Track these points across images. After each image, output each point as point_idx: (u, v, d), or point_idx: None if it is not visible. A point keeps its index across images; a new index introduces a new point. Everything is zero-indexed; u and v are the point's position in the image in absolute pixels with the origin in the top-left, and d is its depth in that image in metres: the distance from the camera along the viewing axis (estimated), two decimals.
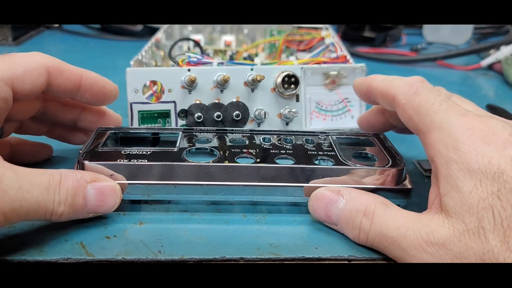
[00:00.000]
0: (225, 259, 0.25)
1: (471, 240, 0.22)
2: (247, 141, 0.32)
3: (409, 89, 0.27)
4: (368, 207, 0.26)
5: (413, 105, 0.27)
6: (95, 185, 0.26)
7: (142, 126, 0.36)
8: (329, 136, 0.33)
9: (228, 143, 0.32)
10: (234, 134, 0.33)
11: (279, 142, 0.32)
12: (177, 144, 0.31)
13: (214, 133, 0.33)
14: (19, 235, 0.26)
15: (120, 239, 0.26)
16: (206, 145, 0.31)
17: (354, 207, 0.26)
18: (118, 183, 0.27)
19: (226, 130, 0.34)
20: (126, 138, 0.33)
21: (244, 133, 0.34)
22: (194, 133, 0.33)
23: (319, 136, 0.33)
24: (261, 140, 0.32)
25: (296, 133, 0.34)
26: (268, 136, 0.33)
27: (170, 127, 0.36)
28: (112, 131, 0.33)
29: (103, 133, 0.32)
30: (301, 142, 0.32)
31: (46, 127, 0.34)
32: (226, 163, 0.29)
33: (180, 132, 0.33)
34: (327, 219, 0.27)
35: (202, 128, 0.35)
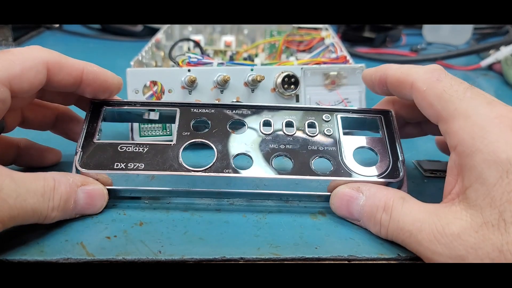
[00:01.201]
0: (225, 259, 0.25)
1: (489, 232, 0.21)
2: (246, 126, 0.31)
3: (430, 76, 0.26)
4: (387, 203, 0.26)
5: (436, 91, 0.26)
6: (85, 189, 0.27)
7: (137, 100, 0.32)
8: (334, 116, 0.32)
9: (227, 138, 0.30)
10: (233, 111, 0.31)
11: (280, 133, 0.30)
12: (174, 136, 0.30)
13: (213, 109, 0.31)
14: (19, 235, 0.26)
15: (120, 239, 0.26)
16: (205, 140, 0.30)
17: (374, 204, 0.26)
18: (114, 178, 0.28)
19: (224, 105, 0.32)
20: (122, 114, 0.32)
21: (245, 107, 0.32)
22: (191, 110, 0.31)
23: (323, 117, 0.31)
24: (260, 126, 0.31)
25: (298, 108, 0.32)
26: (269, 118, 0.31)
27: (166, 102, 0.32)
28: (107, 108, 0.31)
29: (97, 110, 0.31)
30: (301, 133, 0.31)
31: (50, 119, 0.33)
32: (219, 174, 0.28)
33: (178, 109, 0.31)
34: (350, 215, 0.28)
35: (200, 104, 0.32)
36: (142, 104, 0.32)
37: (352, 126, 0.33)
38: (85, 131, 0.30)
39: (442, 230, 0.23)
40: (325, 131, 0.31)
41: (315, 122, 0.31)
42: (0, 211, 0.22)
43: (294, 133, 0.31)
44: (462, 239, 0.22)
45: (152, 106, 0.32)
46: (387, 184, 0.29)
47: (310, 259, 0.25)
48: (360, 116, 0.32)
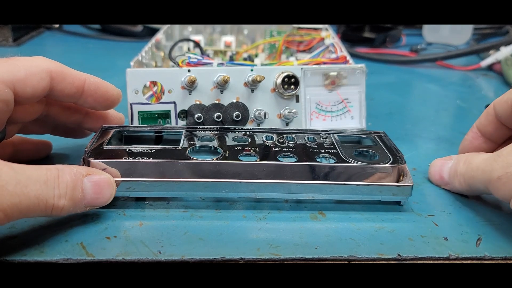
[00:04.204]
0: (225, 259, 0.25)
1: None
2: (249, 139, 0.33)
3: None
4: (468, 157, 0.30)
5: None
6: (91, 178, 0.27)
7: (145, 125, 0.36)
8: (331, 135, 0.34)
9: (231, 142, 0.32)
10: (236, 132, 0.34)
11: (281, 140, 0.33)
12: (181, 143, 0.31)
13: (217, 132, 0.34)
14: (19, 235, 0.26)
15: (120, 240, 0.26)
16: (210, 143, 0.32)
17: (458, 160, 0.31)
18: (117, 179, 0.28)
19: (229, 128, 0.34)
20: (130, 137, 0.34)
21: (246, 131, 0.34)
22: (197, 132, 0.34)
23: (321, 134, 0.34)
24: (263, 138, 0.33)
25: (298, 131, 0.34)
26: (270, 134, 0.33)
27: (173, 126, 0.36)
28: (116, 130, 0.33)
29: (107, 131, 0.33)
30: (303, 141, 0.33)
31: (49, 128, 0.34)
32: (230, 161, 0.29)
33: (184, 131, 0.33)
34: (441, 179, 0.33)
35: (206, 126, 0.35)
36: (150, 128, 0.35)
37: (348, 141, 0.35)
38: (95, 141, 0.31)
39: (500, 152, 0.27)
40: (325, 141, 0.33)
41: (314, 137, 0.33)
42: None
43: (296, 142, 0.32)
44: None
45: (159, 129, 0.35)
46: (391, 169, 0.30)
47: (310, 259, 0.25)
48: (354, 135, 0.35)
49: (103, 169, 0.28)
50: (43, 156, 0.35)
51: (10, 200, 0.22)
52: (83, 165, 0.29)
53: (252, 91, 0.37)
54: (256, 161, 0.29)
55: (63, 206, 0.25)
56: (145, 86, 0.36)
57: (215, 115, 0.36)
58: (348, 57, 0.40)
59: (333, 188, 0.29)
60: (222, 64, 0.38)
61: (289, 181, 0.29)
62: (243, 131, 0.34)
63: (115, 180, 0.28)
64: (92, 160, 0.28)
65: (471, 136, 0.34)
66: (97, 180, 0.27)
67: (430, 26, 0.75)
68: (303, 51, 0.51)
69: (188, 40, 0.51)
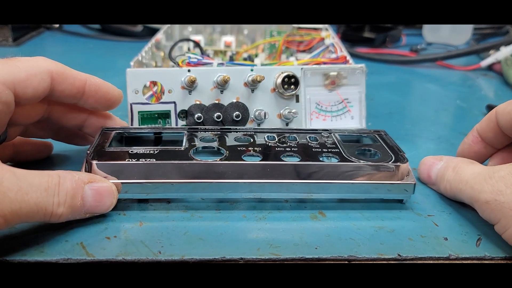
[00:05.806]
0: (225, 259, 0.25)
1: None
2: (251, 140, 0.33)
3: None
4: (457, 164, 0.30)
5: None
6: (92, 186, 0.26)
7: (146, 126, 0.36)
8: (332, 134, 0.34)
9: (233, 142, 0.32)
10: (238, 132, 0.34)
11: (283, 140, 0.33)
12: (183, 143, 0.31)
13: (219, 132, 0.34)
14: (19, 235, 0.26)
15: (120, 240, 0.26)
16: (212, 144, 0.32)
17: (448, 165, 0.31)
18: (115, 182, 0.28)
19: (230, 129, 0.34)
20: (131, 138, 0.34)
21: (248, 131, 0.34)
22: (198, 132, 0.33)
23: (322, 133, 0.34)
24: (265, 138, 0.33)
25: (299, 131, 0.34)
26: (272, 134, 0.33)
27: (175, 127, 0.36)
28: (117, 131, 0.33)
29: (108, 133, 0.32)
30: (305, 140, 0.33)
31: (51, 132, 0.34)
32: (234, 161, 0.29)
33: (185, 131, 0.33)
34: (428, 178, 0.32)
35: (207, 127, 0.35)
36: (150, 129, 0.35)
37: (349, 140, 0.35)
38: (96, 143, 0.31)
39: (492, 174, 0.26)
40: (326, 141, 0.33)
41: (316, 136, 0.34)
42: (0, 205, 0.22)
43: (298, 141, 0.32)
44: (506, 179, 0.25)
45: (159, 130, 0.35)
46: (394, 167, 0.30)
47: (310, 259, 0.25)
48: (356, 134, 0.35)
49: (105, 176, 0.28)
50: (43, 157, 0.35)
51: (11, 207, 0.22)
52: (85, 167, 0.29)
53: (252, 91, 0.37)
54: (260, 161, 0.29)
55: (62, 213, 0.25)
56: (145, 86, 0.36)
57: (215, 115, 0.36)
58: (348, 57, 0.40)
59: (338, 187, 0.29)
60: (222, 64, 0.38)
61: (294, 181, 0.29)
62: (244, 132, 0.34)
63: (118, 183, 0.28)
64: (94, 162, 0.28)
65: (471, 140, 0.33)
66: (98, 188, 0.27)
67: (430, 26, 0.75)
68: (303, 51, 0.51)
69: (188, 40, 0.51)
